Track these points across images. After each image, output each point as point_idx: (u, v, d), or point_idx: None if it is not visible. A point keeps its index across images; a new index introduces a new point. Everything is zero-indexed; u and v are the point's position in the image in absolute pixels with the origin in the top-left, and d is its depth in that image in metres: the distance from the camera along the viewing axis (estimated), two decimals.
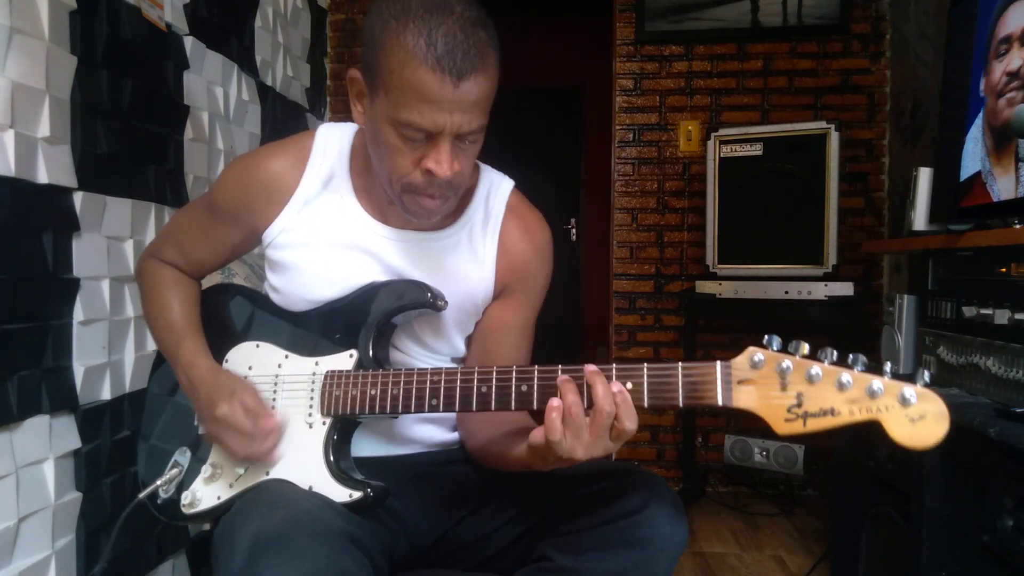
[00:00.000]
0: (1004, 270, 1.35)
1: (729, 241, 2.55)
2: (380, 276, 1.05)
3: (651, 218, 2.98)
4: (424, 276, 1.04)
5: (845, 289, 2.32)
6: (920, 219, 1.74)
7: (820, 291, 2.33)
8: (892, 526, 1.54)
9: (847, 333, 2.42)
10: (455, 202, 0.99)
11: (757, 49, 2.88)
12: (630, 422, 0.82)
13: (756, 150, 2.51)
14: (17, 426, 1.33)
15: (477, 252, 1.07)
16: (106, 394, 1.56)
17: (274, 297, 1.10)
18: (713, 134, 2.57)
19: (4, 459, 1.29)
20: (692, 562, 2.22)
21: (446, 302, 1.02)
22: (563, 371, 0.86)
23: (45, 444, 1.39)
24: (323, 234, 1.05)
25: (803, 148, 2.44)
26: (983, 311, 1.36)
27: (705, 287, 2.52)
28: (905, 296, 1.68)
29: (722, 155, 2.56)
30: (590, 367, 0.84)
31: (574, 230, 5.08)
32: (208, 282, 1.24)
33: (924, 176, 1.75)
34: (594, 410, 0.82)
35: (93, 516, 1.51)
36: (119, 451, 1.59)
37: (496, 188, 1.10)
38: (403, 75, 0.86)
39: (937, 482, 1.35)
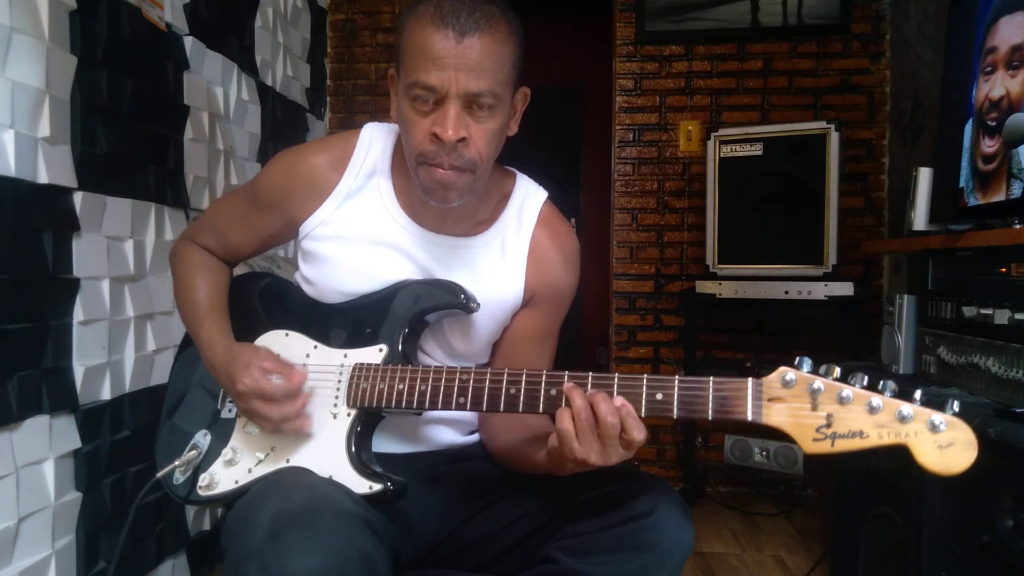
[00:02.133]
0: (1004, 270, 1.35)
1: (729, 241, 2.55)
2: (413, 275, 1.07)
3: (651, 218, 2.97)
4: (456, 278, 1.05)
5: (845, 289, 2.31)
6: (920, 219, 1.74)
7: (820, 291, 2.33)
8: (892, 526, 1.54)
9: (847, 333, 2.42)
10: (472, 181, 0.97)
11: (757, 49, 2.88)
12: (637, 432, 0.83)
13: (756, 150, 2.51)
14: (17, 426, 1.33)
15: (508, 259, 1.09)
16: (106, 394, 1.56)
17: (306, 288, 1.12)
18: (713, 134, 2.57)
19: (4, 459, 1.29)
20: (692, 562, 2.22)
21: (478, 304, 1.03)
22: (593, 379, 0.87)
23: (45, 444, 1.39)
24: (360, 229, 1.07)
25: (803, 148, 2.43)
26: (983, 311, 1.36)
27: (705, 287, 2.51)
28: (905, 296, 1.68)
29: (722, 155, 2.56)
30: (594, 393, 0.85)
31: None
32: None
33: (924, 176, 1.75)
34: (599, 424, 0.83)
35: (93, 516, 1.51)
36: (119, 451, 1.59)
37: (530, 198, 1.12)
38: (412, 39, 0.91)
39: (937, 482, 1.35)
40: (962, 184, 1.53)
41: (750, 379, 0.81)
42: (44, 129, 1.37)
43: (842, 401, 0.77)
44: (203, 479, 1.05)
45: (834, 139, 2.38)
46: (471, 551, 1.07)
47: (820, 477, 2.81)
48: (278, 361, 1.01)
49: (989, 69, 1.47)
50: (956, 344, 1.47)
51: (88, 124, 1.50)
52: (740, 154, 2.53)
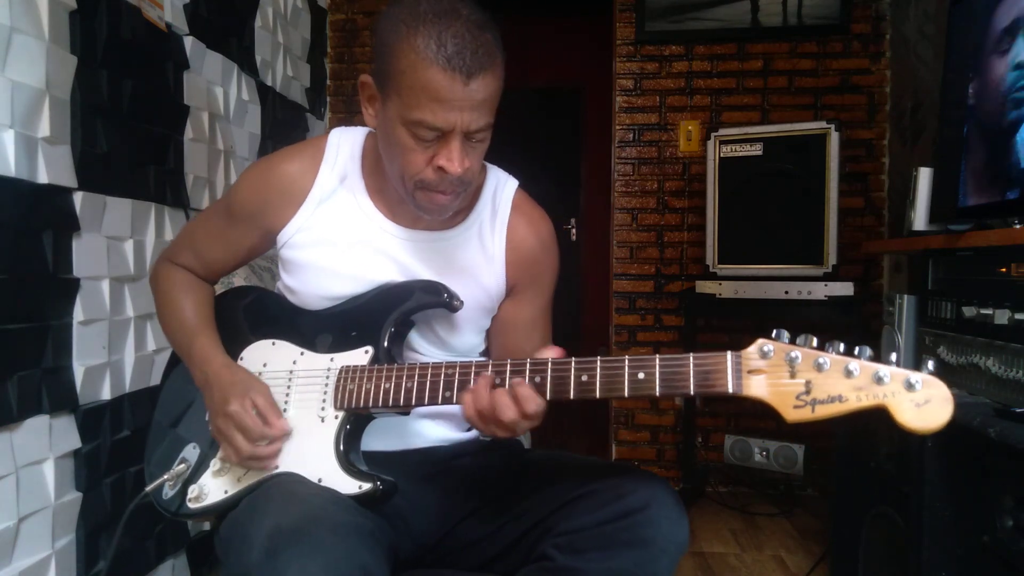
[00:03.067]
0: (1004, 270, 1.35)
1: (729, 241, 2.55)
2: (394, 274, 1.07)
3: (651, 218, 2.97)
4: (437, 274, 1.07)
5: (845, 289, 2.31)
6: (920, 219, 1.74)
7: (820, 291, 2.33)
8: (892, 526, 1.54)
9: (847, 333, 2.41)
10: (466, 198, 1.03)
11: (757, 49, 2.88)
12: (532, 405, 0.87)
13: (756, 150, 2.50)
14: (17, 426, 1.33)
15: (487, 248, 1.10)
16: (106, 394, 1.56)
17: (290, 298, 1.13)
18: (713, 134, 2.57)
19: (4, 459, 1.29)
20: (692, 562, 2.22)
21: (462, 302, 1.04)
22: (576, 363, 0.88)
23: (45, 444, 1.39)
24: (338, 233, 1.08)
25: (803, 148, 2.43)
26: (983, 311, 1.36)
27: (705, 287, 2.51)
28: (905, 296, 1.68)
29: (722, 155, 2.55)
30: (497, 390, 0.89)
31: (574, 230, 5.08)
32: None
33: (924, 176, 1.75)
34: (497, 415, 0.88)
35: (93, 516, 1.51)
36: (119, 451, 1.59)
37: (502, 186, 1.13)
38: (415, 76, 0.89)
39: (937, 482, 1.35)
40: (961, 194, 1.52)
41: (729, 352, 0.82)
42: (44, 129, 1.37)
43: (819, 368, 0.78)
44: (192, 491, 1.04)
45: (834, 139, 2.38)
46: (469, 550, 1.07)
47: (820, 477, 2.81)
48: (271, 404, 1.01)
49: (1007, 45, 1.43)
50: (956, 344, 1.47)
51: (88, 124, 1.50)
52: (740, 154, 2.53)
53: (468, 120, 0.91)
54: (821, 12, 2.82)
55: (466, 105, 0.90)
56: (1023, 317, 1.27)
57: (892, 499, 1.54)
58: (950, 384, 1.51)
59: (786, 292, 2.36)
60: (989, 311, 1.34)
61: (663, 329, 2.96)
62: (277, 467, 1.01)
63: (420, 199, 0.98)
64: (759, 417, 2.88)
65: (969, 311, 1.41)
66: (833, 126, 2.39)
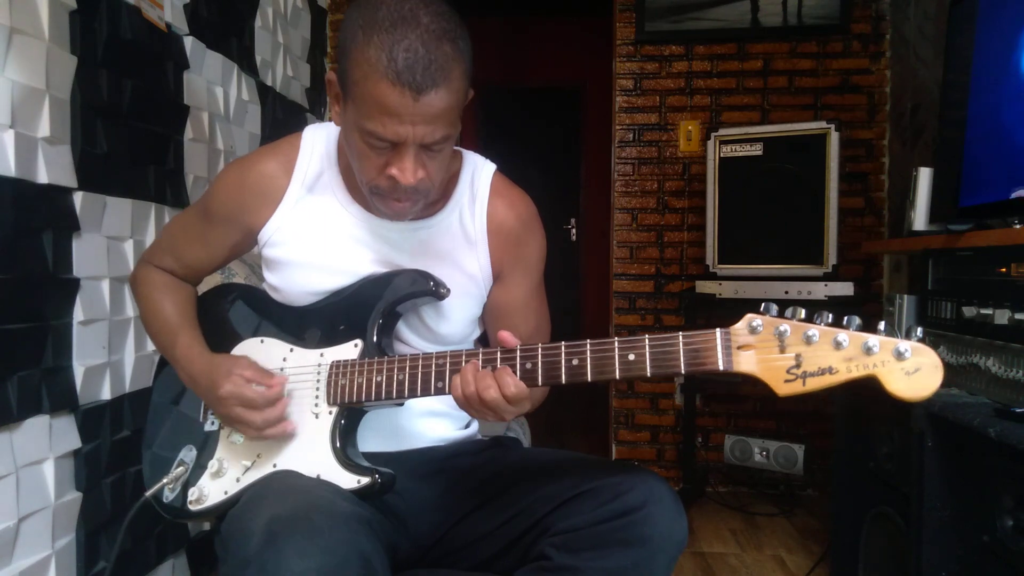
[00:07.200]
0: (1004, 270, 1.35)
1: (729, 241, 2.55)
2: (377, 265, 1.08)
3: (651, 218, 2.98)
4: (420, 263, 1.07)
5: (845, 289, 2.32)
6: (920, 219, 1.74)
7: (820, 291, 2.33)
8: (892, 526, 1.54)
9: None
10: (426, 202, 1.01)
11: (757, 49, 2.88)
12: (510, 388, 0.89)
13: (756, 150, 2.51)
14: (17, 426, 1.33)
15: (468, 233, 1.10)
16: (106, 394, 1.56)
17: (275, 296, 1.12)
18: (713, 134, 2.57)
19: (4, 459, 1.29)
20: (692, 562, 2.22)
21: (448, 290, 1.04)
22: (566, 347, 0.89)
23: (45, 444, 1.39)
24: (317, 228, 1.08)
25: (803, 148, 2.44)
26: (983, 311, 1.36)
27: (705, 287, 2.52)
28: (905, 296, 1.68)
29: (722, 155, 2.56)
30: (484, 373, 0.91)
31: (574, 230, 5.08)
32: (207, 283, 1.25)
33: (924, 176, 1.75)
34: (482, 400, 0.90)
35: (93, 516, 1.51)
36: (119, 451, 1.59)
37: (479, 170, 1.12)
38: (366, 87, 0.88)
39: (937, 482, 1.35)
40: (961, 195, 1.51)
41: (718, 329, 0.82)
42: (44, 129, 1.37)
43: (808, 340, 0.78)
44: (192, 493, 1.05)
45: (834, 139, 2.38)
46: (467, 550, 1.07)
47: (820, 477, 2.81)
48: (258, 370, 1.02)
49: (1007, 46, 1.40)
50: (956, 344, 1.47)
51: (88, 124, 1.50)
52: (740, 154, 2.53)
53: (421, 133, 0.90)
54: (821, 12, 2.82)
55: (418, 119, 0.88)
56: (1023, 317, 1.27)
57: (892, 499, 1.54)
58: (950, 384, 1.52)
59: (786, 292, 2.36)
60: (989, 311, 1.34)
61: (663, 329, 2.96)
62: (292, 428, 1.01)
63: (377, 203, 0.99)
64: (759, 417, 2.89)
65: (969, 311, 1.41)
66: (833, 126, 2.39)
